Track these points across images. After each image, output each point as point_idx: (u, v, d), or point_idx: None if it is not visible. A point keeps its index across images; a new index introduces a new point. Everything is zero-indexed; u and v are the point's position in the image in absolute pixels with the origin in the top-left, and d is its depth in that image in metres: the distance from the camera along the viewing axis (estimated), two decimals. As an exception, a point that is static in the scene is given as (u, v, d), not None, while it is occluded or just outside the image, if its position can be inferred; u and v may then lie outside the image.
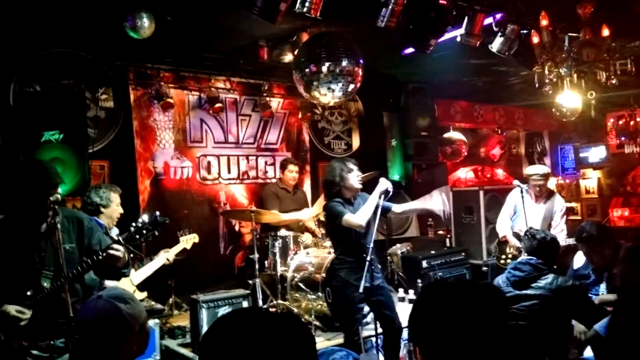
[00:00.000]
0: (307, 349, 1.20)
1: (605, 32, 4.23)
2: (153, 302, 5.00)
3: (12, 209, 2.98)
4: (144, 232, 2.98)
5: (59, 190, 2.88)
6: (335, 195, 4.24)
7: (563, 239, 5.30)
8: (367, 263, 3.89)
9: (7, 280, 2.76)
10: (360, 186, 4.29)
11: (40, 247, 2.85)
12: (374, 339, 4.31)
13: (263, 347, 1.13)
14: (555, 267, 3.90)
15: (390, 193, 4.14)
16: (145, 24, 4.58)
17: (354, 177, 4.23)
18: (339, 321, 4.73)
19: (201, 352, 1.20)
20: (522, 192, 5.56)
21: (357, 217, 4.08)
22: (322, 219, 5.64)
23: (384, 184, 4.14)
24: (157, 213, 3.03)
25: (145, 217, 3.01)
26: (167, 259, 4.93)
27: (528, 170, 5.89)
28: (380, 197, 4.11)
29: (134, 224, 2.99)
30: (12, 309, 2.69)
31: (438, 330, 1.35)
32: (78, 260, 2.91)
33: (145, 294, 4.90)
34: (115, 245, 2.85)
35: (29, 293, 2.76)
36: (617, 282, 2.49)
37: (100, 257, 2.83)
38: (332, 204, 4.21)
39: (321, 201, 6.02)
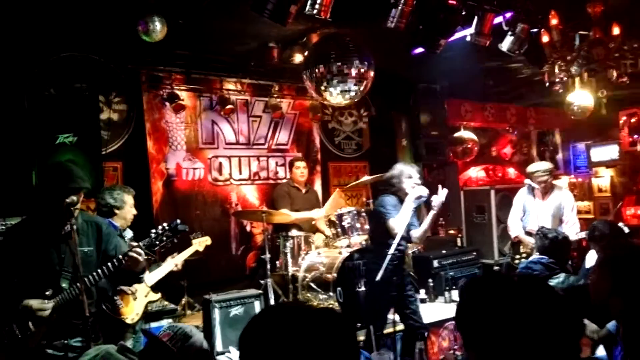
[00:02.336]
0: (351, 345, 1.14)
1: (616, 30, 4.22)
2: (166, 303, 5.05)
3: (33, 210, 3.04)
4: (164, 238, 3.09)
5: (81, 194, 2.92)
6: (392, 193, 4.37)
7: (575, 233, 5.29)
8: (389, 256, 3.91)
9: (28, 279, 2.83)
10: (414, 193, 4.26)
11: (60, 248, 2.91)
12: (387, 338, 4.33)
13: (308, 343, 1.07)
14: (570, 263, 3.87)
15: (423, 199, 4.18)
16: (157, 27, 4.62)
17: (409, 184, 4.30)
18: (364, 316, 4.77)
19: (243, 349, 1.12)
20: (532, 190, 5.56)
21: (397, 225, 4.14)
22: (333, 219, 5.67)
23: (418, 191, 4.18)
24: (178, 221, 3.13)
25: (165, 224, 3.11)
26: (175, 265, 4.97)
27: (530, 167, 5.79)
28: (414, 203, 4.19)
29: (154, 231, 3.08)
30: (34, 302, 2.76)
31: (493, 325, 1.26)
32: (95, 264, 2.97)
33: (159, 294, 4.94)
34: (137, 249, 2.91)
35: (47, 293, 2.82)
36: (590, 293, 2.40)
37: (122, 260, 2.89)
38: (385, 200, 4.33)
39: (332, 201, 6.05)
